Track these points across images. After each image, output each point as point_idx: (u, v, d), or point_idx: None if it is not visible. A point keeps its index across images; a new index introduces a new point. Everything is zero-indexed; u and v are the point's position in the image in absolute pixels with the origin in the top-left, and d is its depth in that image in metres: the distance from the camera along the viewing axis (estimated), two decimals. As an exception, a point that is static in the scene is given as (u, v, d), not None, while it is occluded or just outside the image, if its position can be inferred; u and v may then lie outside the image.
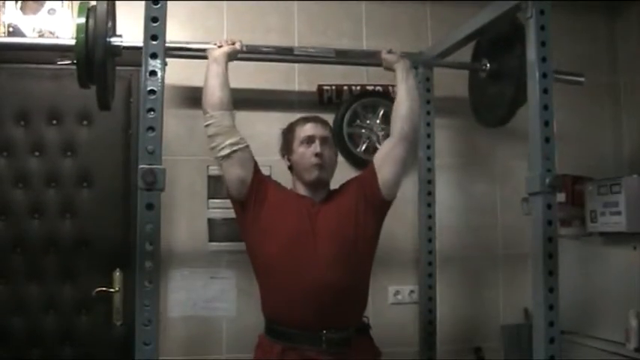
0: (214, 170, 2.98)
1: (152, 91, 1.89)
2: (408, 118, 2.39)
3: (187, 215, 2.98)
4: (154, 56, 1.91)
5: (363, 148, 3.19)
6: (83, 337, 2.89)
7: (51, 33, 2.98)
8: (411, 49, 3.05)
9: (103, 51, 2.10)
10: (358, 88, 3.23)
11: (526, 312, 3.20)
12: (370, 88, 3.25)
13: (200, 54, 2.43)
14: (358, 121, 3.21)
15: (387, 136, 3.17)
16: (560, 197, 2.99)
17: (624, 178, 2.80)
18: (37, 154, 2.94)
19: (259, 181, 2.31)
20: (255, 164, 2.32)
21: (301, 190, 2.39)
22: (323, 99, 3.20)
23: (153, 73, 1.90)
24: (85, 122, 2.96)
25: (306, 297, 2.17)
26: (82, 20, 2.08)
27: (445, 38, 2.81)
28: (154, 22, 1.92)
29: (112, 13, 2.24)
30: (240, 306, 2.98)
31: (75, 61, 2.13)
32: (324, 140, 2.37)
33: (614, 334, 2.80)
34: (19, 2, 2.97)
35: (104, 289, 2.90)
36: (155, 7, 1.92)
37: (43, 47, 2.33)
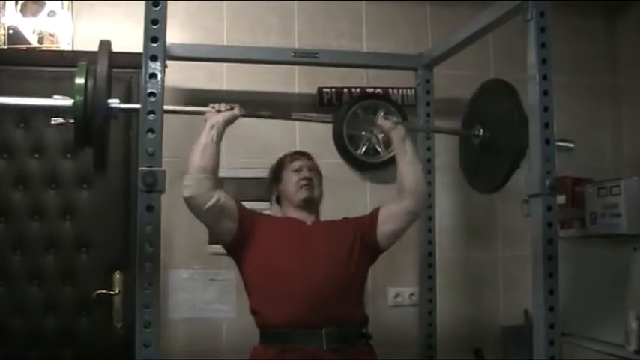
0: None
1: (152, 94, 1.89)
2: (416, 190, 2.40)
3: (187, 217, 2.97)
4: (154, 59, 1.91)
5: (363, 150, 3.19)
6: (83, 339, 2.89)
7: (51, 35, 2.99)
8: (410, 50, 3.06)
9: (103, 113, 2.02)
10: (358, 90, 3.23)
11: (526, 313, 3.20)
12: (370, 90, 3.25)
13: (201, 58, 2.43)
14: (358, 123, 3.21)
15: (386, 138, 3.20)
16: (560, 199, 2.99)
17: (624, 180, 2.80)
18: (36, 156, 2.94)
19: (245, 221, 2.34)
20: (239, 207, 2.35)
21: (291, 214, 2.47)
22: (323, 101, 3.20)
23: (153, 75, 1.90)
24: (85, 124, 2.96)
25: (302, 294, 2.20)
26: (81, 80, 2.00)
27: (445, 40, 2.81)
28: (154, 24, 1.92)
29: (110, 72, 2.15)
30: (240, 307, 2.97)
31: (72, 121, 2.04)
32: (311, 169, 2.50)
33: (614, 335, 2.80)
34: (19, 4, 2.97)
35: (104, 291, 2.90)
36: (155, 9, 1.92)
37: (41, 108, 2.26)
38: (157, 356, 1.86)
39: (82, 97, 1.96)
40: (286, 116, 2.55)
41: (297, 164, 2.50)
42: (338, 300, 2.23)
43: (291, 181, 2.46)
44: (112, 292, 2.91)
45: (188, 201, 2.23)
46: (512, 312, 3.27)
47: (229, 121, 2.31)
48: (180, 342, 2.93)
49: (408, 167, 2.42)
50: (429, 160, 2.95)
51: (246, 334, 2.93)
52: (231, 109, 2.33)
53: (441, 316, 2.98)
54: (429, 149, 2.95)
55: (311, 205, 2.46)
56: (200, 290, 2.98)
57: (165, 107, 1.95)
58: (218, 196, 2.24)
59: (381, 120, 2.58)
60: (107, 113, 2.05)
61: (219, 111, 2.31)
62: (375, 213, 2.45)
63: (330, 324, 2.19)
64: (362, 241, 2.39)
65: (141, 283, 1.86)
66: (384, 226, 2.40)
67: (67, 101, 1.98)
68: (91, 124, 1.99)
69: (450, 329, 3.13)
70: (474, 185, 2.84)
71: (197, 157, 2.22)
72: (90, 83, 1.99)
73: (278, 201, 2.58)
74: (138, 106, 1.98)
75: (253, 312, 2.35)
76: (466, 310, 3.25)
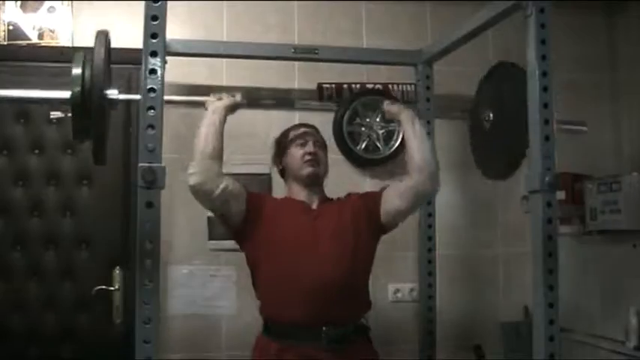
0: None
1: (152, 90, 1.89)
2: (425, 166, 2.29)
3: (187, 213, 2.98)
4: (153, 54, 1.90)
5: (363, 146, 3.19)
6: (83, 335, 2.90)
7: (51, 31, 2.99)
8: (410, 47, 3.05)
9: (100, 104, 1.99)
10: (358, 86, 3.23)
11: (526, 310, 3.20)
12: (370, 86, 3.25)
13: (201, 54, 2.44)
14: (358, 120, 3.20)
15: (386, 134, 3.21)
16: (560, 195, 2.99)
17: (624, 176, 2.80)
18: (36, 152, 2.94)
19: (253, 203, 2.31)
20: (246, 189, 2.32)
21: (296, 192, 2.40)
22: (323, 97, 3.20)
23: (153, 71, 1.90)
24: (84, 120, 2.96)
25: (306, 293, 2.17)
26: (79, 71, 1.97)
27: (443, 37, 2.80)
28: (154, 20, 1.92)
29: (108, 62, 2.15)
30: (240, 304, 2.98)
31: (70, 115, 2.02)
32: (317, 143, 2.42)
33: (614, 332, 2.81)
34: (19, 0, 2.97)
35: (104, 287, 2.91)
36: (155, 5, 1.92)
37: (38, 100, 2.22)
38: (156, 353, 1.86)
39: (79, 89, 1.94)
40: (288, 103, 2.55)
41: (301, 138, 2.43)
42: (342, 299, 2.20)
43: (296, 155, 2.39)
44: (111, 289, 2.91)
45: (195, 188, 2.18)
46: (511, 308, 3.27)
47: (230, 108, 2.32)
48: (180, 338, 2.93)
49: (416, 143, 2.33)
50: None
51: (246, 330, 2.94)
52: (233, 96, 2.35)
53: (441, 312, 2.98)
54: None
55: (316, 180, 2.39)
56: (200, 286, 2.98)
57: (166, 98, 1.95)
58: (226, 182, 2.20)
59: (387, 105, 2.53)
60: (105, 104, 2.03)
61: (220, 99, 2.32)
62: (380, 191, 2.39)
63: (331, 323, 2.18)
64: (367, 220, 2.34)
65: (140, 279, 1.86)
66: (388, 204, 2.33)
67: (64, 93, 1.95)
68: (89, 116, 1.97)
69: (449, 325, 3.14)
70: (487, 172, 2.81)
71: (201, 142, 2.18)
72: (87, 74, 1.96)
73: (282, 174, 2.51)
74: (137, 97, 1.98)
75: (259, 299, 2.33)
76: (466, 307, 3.25)
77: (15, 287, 2.88)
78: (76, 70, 1.96)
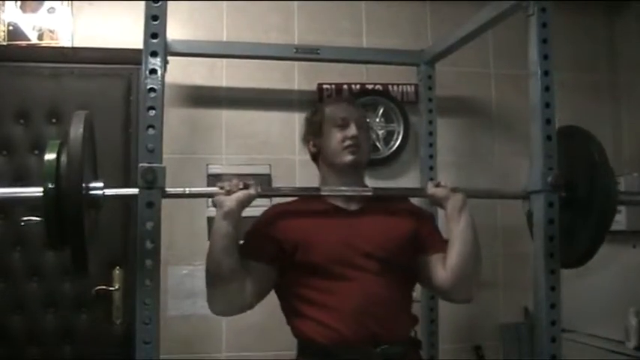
0: (214, 169, 2.99)
1: (152, 90, 1.89)
2: (458, 273, 1.94)
3: (187, 214, 2.97)
4: (154, 54, 1.90)
5: (363, 146, 3.19)
6: (83, 335, 2.89)
7: (51, 32, 2.98)
8: (411, 47, 3.05)
9: (78, 204, 1.61)
10: (358, 86, 3.23)
11: (526, 311, 3.20)
12: (370, 86, 3.24)
13: (202, 54, 2.41)
14: (358, 120, 3.20)
15: (386, 134, 3.21)
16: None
17: (624, 177, 2.80)
18: (36, 152, 2.93)
19: (273, 258, 1.96)
20: (262, 259, 1.96)
21: (331, 182, 2.07)
22: (323, 97, 3.19)
23: (153, 71, 1.90)
24: (84, 121, 2.95)
25: (357, 310, 1.87)
26: (52, 156, 1.60)
27: (445, 37, 2.80)
28: (154, 20, 1.92)
29: (91, 148, 1.82)
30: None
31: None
32: (360, 123, 2.05)
33: (614, 332, 2.80)
34: (19, 1, 2.97)
35: (104, 287, 2.90)
36: (155, 5, 1.92)
37: (8, 200, 1.82)
38: (156, 353, 1.86)
39: (53, 187, 1.59)
40: (315, 191, 2.04)
41: (342, 117, 2.03)
42: (392, 313, 1.93)
43: (335, 139, 2.01)
44: (111, 289, 2.91)
45: (221, 315, 2.06)
46: (512, 309, 3.27)
47: (244, 203, 1.87)
48: (180, 339, 2.93)
49: (458, 243, 1.95)
50: (430, 157, 2.93)
51: (246, 331, 2.95)
52: (246, 187, 1.89)
53: (442, 313, 2.97)
54: (430, 145, 2.93)
55: (356, 170, 2.06)
56: (200, 287, 2.96)
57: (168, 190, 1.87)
58: (249, 288, 1.93)
59: (431, 187, 2.07)
60: (86, 203, 1.72)
61: (229, 192, 1.88)
62: (438, 242, 2.05)
63: (384, 341, 1.87)
64: (414, 242, 2.03)
65: (141, 279, 1.86)
66: (425, 267, 2.02)
67: (38, 192, 1.63)
68: (64, 218, 1.62)
69: (450, 326, 3.13)
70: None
71: (214, 263, 1.90)
72: (63, 162, 1.61)
73: (314, 158, 2.14)
74: (134, 191, 1.84)
75: (292, 322, 2.02)
76: (466, 308, 3.22)
77: (15, 287, 2.88)
78: (50, 156, 1.60)
